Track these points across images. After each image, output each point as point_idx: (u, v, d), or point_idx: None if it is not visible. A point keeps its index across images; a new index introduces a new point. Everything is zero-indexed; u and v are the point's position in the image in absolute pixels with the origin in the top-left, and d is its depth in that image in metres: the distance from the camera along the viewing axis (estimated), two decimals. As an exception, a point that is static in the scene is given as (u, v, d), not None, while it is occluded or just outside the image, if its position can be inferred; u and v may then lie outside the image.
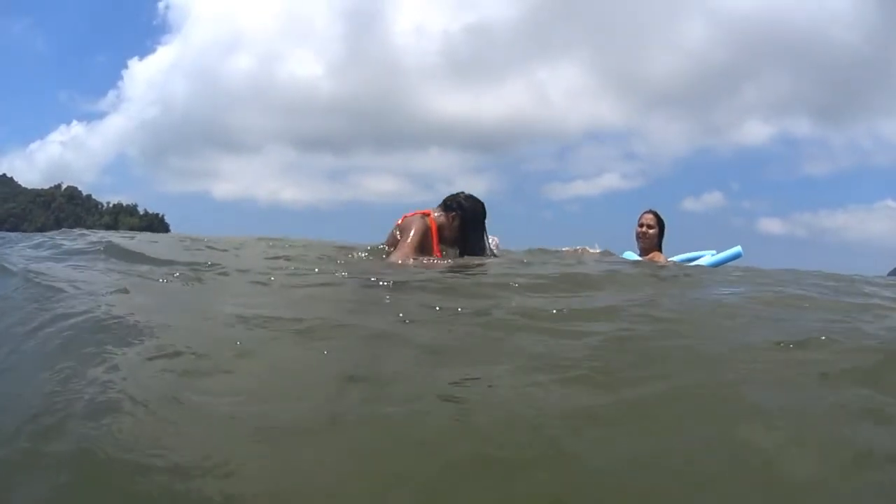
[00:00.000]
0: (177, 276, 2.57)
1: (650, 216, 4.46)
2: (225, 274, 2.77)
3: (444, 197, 3.60)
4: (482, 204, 3.58)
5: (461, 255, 3.48)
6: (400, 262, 3.12)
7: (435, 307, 2.01)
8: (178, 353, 1.39)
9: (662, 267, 3.94)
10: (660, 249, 4.43)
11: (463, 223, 3.49)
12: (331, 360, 1.43)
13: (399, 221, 3.47)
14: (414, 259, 3.14)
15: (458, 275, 2.77)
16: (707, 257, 4.34)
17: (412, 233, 3.28)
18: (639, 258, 4.28)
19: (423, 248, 3.28)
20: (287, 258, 3.30)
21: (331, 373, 1.32)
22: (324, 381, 1.28)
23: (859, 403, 1.12)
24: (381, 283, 2.46)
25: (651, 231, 4.41)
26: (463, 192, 3.60)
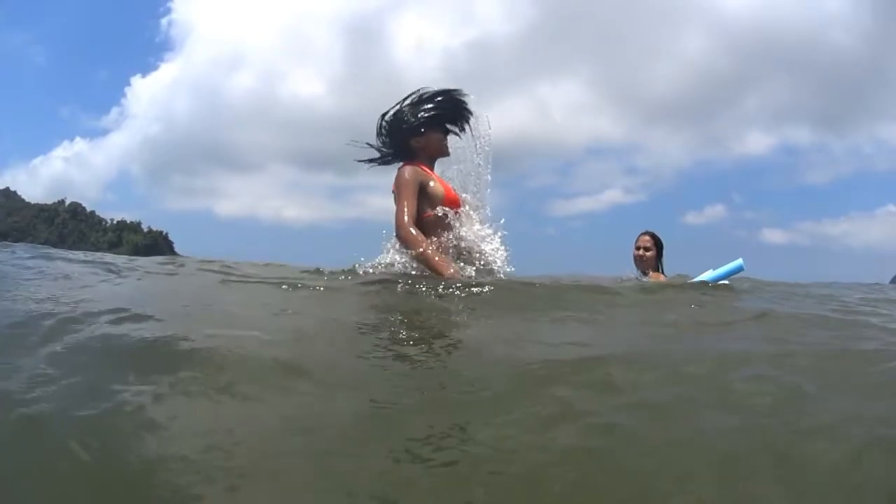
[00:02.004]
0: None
1: (646, 238, 4.43)
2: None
3: None
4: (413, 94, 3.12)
5: (445, 127, 3.08)
6: (404, 232, 2.76)
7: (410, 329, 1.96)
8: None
9: (665, 284, 3.93)
10: (659, 270, 4.40)
11: (424, 122, 3.06)
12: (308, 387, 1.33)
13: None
14: (419, 232, 2.78)
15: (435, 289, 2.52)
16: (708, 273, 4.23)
17: (404, 187, 2.87)
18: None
19: (421, 190, 2.90)
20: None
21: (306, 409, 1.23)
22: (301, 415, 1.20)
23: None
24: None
25: (648, 253, 4.38)
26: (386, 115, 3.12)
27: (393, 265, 2.88)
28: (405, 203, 2.83)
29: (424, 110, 3.07)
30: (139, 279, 3.18)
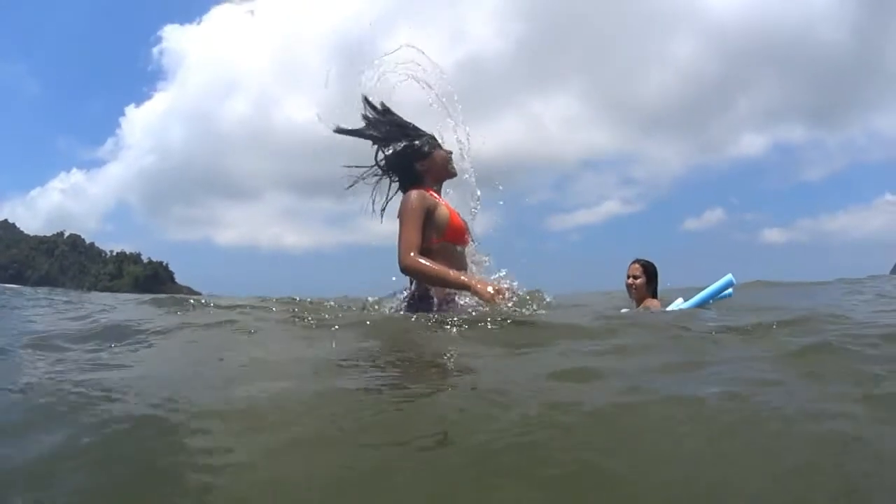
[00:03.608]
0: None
1: (636, 266, 4.50)
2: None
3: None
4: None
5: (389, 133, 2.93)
6: (409, 261, 2.61)
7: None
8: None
9: (653, 313, 3.98)
10: (654, 296, 4.46)
11: (425, 142, 2.94)
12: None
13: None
14: (424, 258, 2.63)
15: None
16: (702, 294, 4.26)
17: (409, 213, 2.70)
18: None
19: (427, 216, 2.72)
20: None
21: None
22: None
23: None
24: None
25: (638, 281, 4.45)
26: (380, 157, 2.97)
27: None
28: (409, 232, 2.66)
29: (412, 132, 2.95)
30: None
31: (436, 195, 2.87)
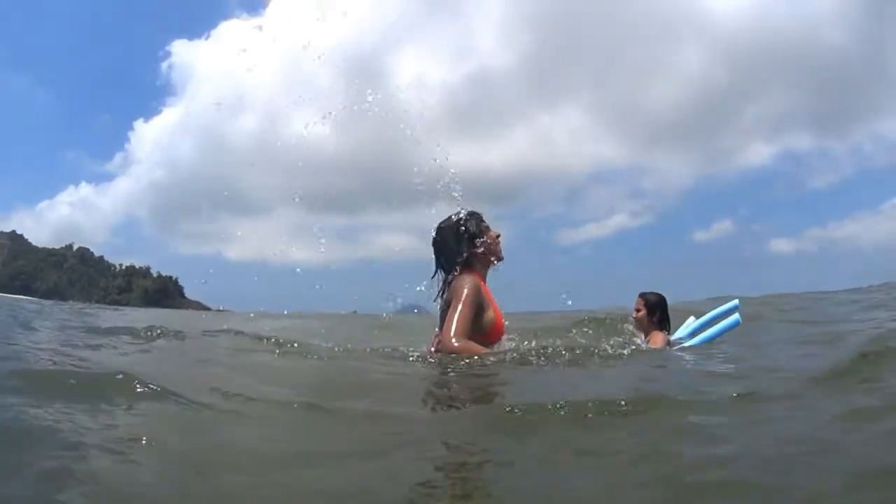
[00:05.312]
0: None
1: (639, 300, 4.62)
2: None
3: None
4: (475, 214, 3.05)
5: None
6: (455, 347, 2.63)
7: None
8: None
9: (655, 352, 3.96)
10: (660, 328, 4.49)
11: (477, 230, 3.00)
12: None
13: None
14: (470, 342, 2.67)
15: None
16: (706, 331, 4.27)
17: (465, 300, 2.73)
18: (641, 343, 4.28)
19: (481, 308, 2.79)
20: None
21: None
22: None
23: None
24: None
25: (639, 313, 4.55)
26: (451, 220, 3.04)
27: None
28: (463, 317, 2.70)
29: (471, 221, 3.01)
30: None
31: (486, 288, 2.92)
